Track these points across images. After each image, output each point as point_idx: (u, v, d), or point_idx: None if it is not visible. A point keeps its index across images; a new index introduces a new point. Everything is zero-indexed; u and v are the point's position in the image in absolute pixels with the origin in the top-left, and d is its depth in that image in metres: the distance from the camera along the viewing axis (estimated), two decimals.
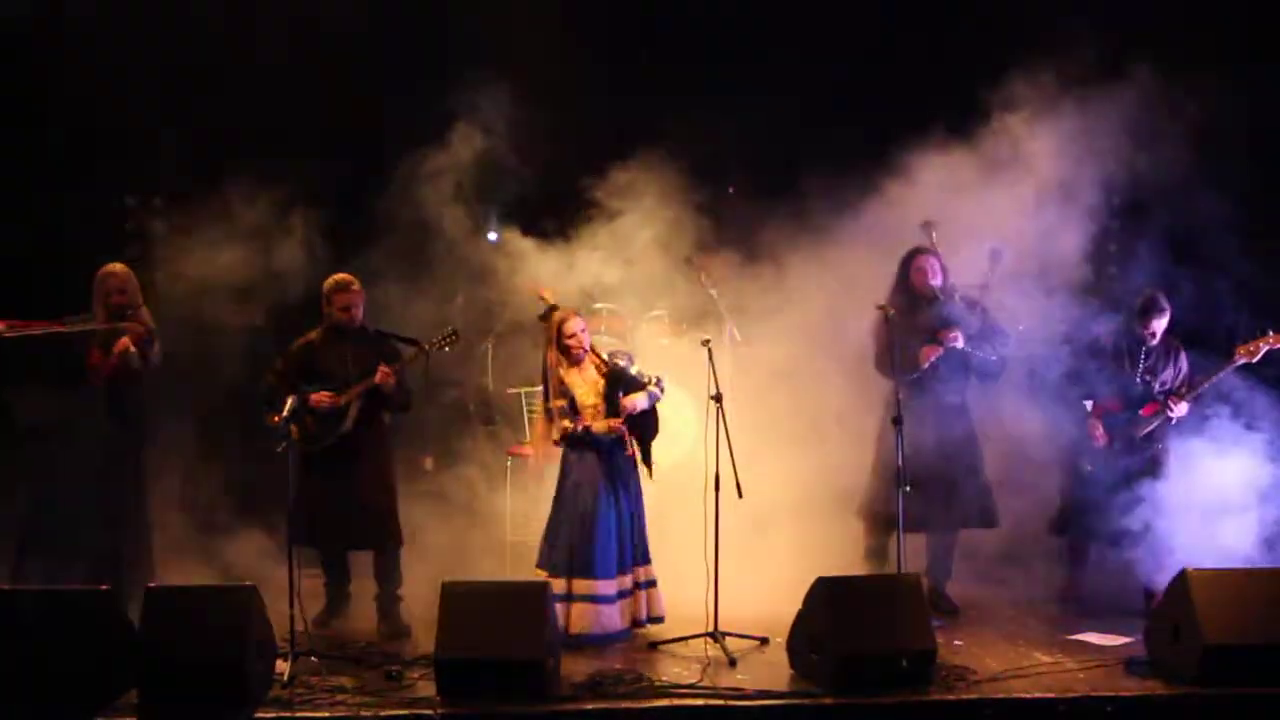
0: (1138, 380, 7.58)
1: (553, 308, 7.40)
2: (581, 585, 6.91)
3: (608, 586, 6.93)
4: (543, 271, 8.21)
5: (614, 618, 6.92)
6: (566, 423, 6.97)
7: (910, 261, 7.61)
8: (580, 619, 6.86)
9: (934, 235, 8.04)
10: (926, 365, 7.43)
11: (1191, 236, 8.38)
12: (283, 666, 6.20)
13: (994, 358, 7.55)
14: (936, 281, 7.53)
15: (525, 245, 8.33)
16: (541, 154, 8.92)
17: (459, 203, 8.52)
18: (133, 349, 7.20)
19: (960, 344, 7.43)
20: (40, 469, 7.28)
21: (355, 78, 9.03)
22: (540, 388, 7.24)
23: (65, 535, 7.09)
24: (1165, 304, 7.56)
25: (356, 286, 7.28)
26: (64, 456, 7.23)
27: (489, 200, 8.92)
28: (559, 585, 6.84)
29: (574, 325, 7.04)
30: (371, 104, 9.12)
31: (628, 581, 7.02)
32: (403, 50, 9.26)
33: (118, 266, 7.42)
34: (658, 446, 7.19)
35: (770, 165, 9.41)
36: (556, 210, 8.77)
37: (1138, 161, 8.15)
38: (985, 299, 7.78)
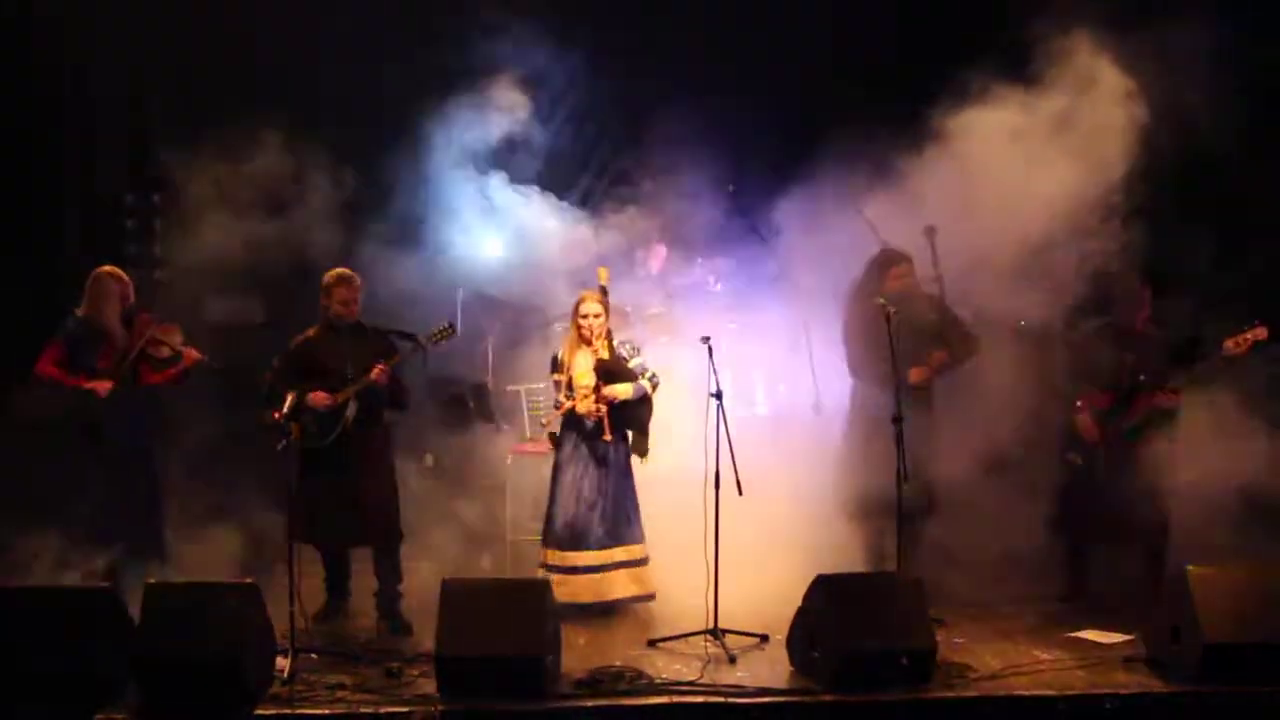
0: (1125, 373, 7.57)
1: (603, 289, 7.55)
2: (556, 556, 7.33)
3: (588, 559, 7.27)
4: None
5: (591, 590, 7.26)
6: (562, 397, 7.29)
7: (891, 268, 7.60)
8: (566, 590, 7.12)
9: (934, 241, 7.98)
10: (917, 384, 7.47)
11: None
12: (283, 663, 6.20)
13: (963, 360, 7.66)
14: (911, 285, 7.58)
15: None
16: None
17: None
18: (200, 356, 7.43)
19: (947, 361, 7.46)
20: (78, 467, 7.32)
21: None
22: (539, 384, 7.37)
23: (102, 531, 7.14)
24: (1148, 295, 7.57)
25: (357, 281, 7.27)
26: (94, 455, 7.28)
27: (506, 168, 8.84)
28: (551, 556, 7.33)
29: (590, 307, 7.30)
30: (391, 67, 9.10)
31: (614, 555, 7.29)
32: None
33: (118, 269, 7.45)
34: (658, 445, 7.24)
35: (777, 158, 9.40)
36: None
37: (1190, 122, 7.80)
38: (943, 291, 7.77)
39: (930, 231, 7.94)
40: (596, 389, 7.24)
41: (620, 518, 7.34)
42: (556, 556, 7.32)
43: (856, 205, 8.09)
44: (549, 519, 7.41)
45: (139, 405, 7.41)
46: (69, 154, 9.14)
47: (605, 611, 7.28)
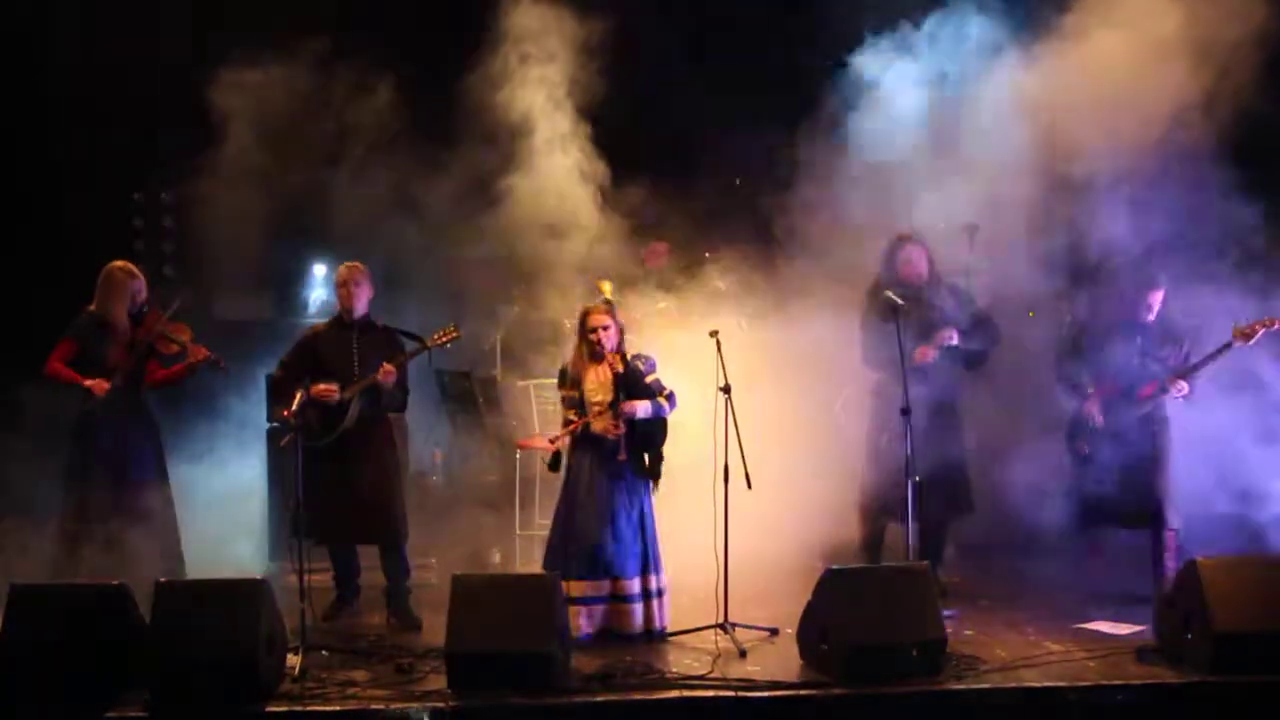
0: (1135, 359, 7.56)
1: (607, 302, 7.30)
2: (577, 587, 6.76)
3: (598, 589, 6.80)
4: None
5: (592, 620, 6.78)
6: (571, 414, 6.95)
7: (898, 251, 7.57)
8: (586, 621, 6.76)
9: (974, 238, 7.94)
10: (920, 364, 7.41)
11: None
12: (293, 660, 6.22)
13: (983, 349, 7.59)
14: (923, 271, 7.51)
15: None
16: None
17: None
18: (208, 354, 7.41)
19: (955, 342, 7.43)
20: (75, 467, 7.32)
21: None
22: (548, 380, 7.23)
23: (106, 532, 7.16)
24: (1162, 281, 7.52)
25: (363, 273, 7.26)
26: (99, 454, 7.29)
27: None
28: (575, 588, 6.73)
29: (599, 320, 6.89)
30: None
31: (626, 587, 6.82)
32: None
33: (130, 264, 7.47)
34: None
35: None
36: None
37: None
38: (971, 285, 7.75)
39: (971, 229, 7.88)
40: (614, 404, 6.80)
41: (646, 545, 6.87)
42: (585, 587, 6.75)
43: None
44: (567, 546, 6.82)
45: (139, 405, 7.43)
46: (77, 150, 9.14)
47: (624, 639, 6.76)
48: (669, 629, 6.90)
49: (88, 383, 7.26)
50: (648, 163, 8.98)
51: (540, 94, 8.26)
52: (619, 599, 6.82)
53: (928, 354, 7.44)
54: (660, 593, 6.93)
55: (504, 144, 8.32)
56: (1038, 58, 7.86)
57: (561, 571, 6.68)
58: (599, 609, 6.80)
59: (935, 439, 7.31)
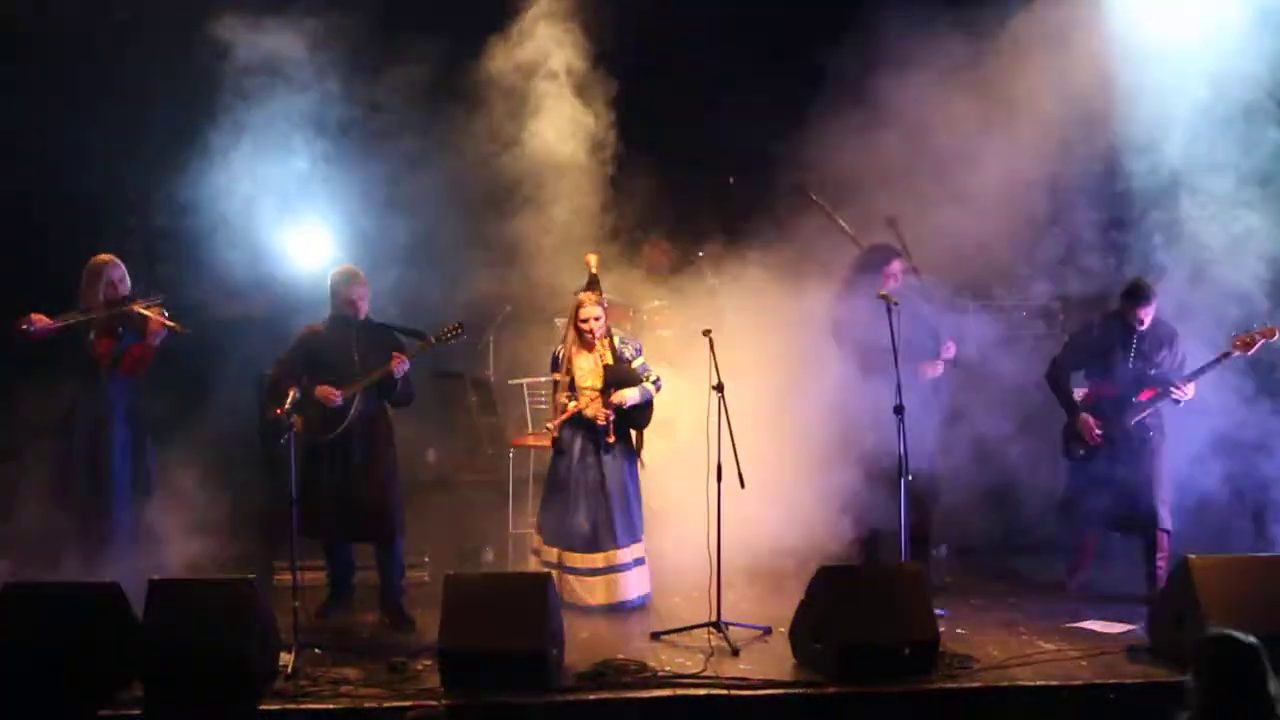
0: (1130, 366, 7.55)
1: (593, 278, 7.53)
2: (568, 558, 7.30)
3: (589, 561, 7.27)
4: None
5: (593, 591, 7.27)
6: (563, 398, 7.26)
7: (885, 265, 7.56)
8: (564, 589, 7.12)
9: (899, 231, 7.96)
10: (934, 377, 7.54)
11: None
12: (286, 658, 6.22)
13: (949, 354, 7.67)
14: (903, 282, 7.57)
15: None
16: None
17: None
18: (170, 324, 7.29)
19: (954, 353, 7.52)
20: (57, 462, 7.30)
21: None
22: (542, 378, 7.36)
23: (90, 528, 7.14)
24: (1152, 290, 7.53)
25: (363, 277, 7.27)
26: (82, 449, 7.27)
27: None
28: (551, 554, 7.32)
29: (590, 310, 7.30)
30: None
31: (614, 558, 7.28)
32: None
33: (111, 256, 7.43)
34: (658, 436, 7.28)
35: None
36: None
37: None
38: (925, 281, 7.77)
39: (893, 222, 7.94)
40: (604, 393, 7.26)
41: (629, 517, 7.34)
42: (575, 558, 7.30)
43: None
44: (557, 519, 7.34)
45: (126, 400, 7.40)
46: (71, 147, 9.11)
47: (611, 611, 7.24)
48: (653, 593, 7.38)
49: (24, 322, 7.09)
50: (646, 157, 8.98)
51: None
52: (612, 569, 7.27)
53: (934, 370, 7.51)
54: (642, 560, 7.37)
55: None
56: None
57: (559, 543, 7.30)
58: (595, 580, 7.25)
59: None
